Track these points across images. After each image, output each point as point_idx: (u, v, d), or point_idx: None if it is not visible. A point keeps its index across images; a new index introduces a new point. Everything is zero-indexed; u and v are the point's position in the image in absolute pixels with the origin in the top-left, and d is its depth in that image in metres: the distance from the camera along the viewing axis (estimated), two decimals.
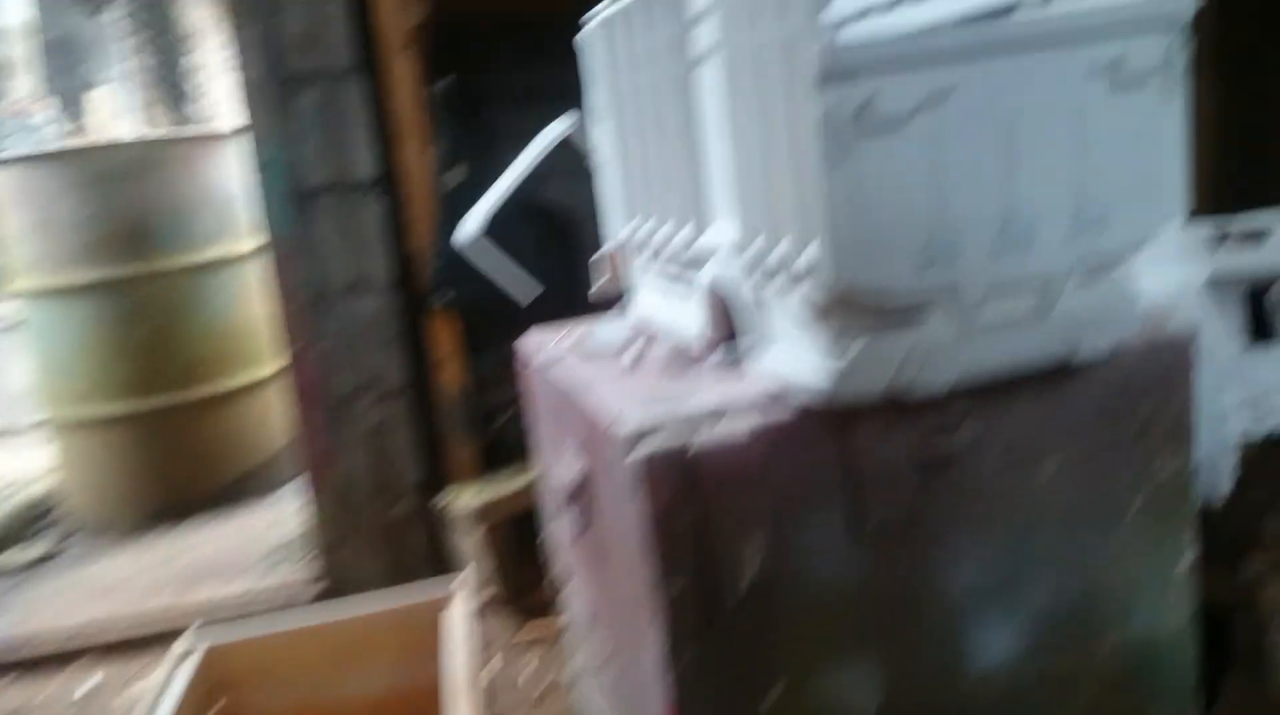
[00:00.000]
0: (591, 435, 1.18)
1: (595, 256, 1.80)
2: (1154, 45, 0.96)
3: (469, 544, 2.48)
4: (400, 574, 2.72)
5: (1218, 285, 1.64)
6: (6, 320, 4.69)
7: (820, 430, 1.04)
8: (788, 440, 1.03)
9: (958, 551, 1.11)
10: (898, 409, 1.03)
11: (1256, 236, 1.75)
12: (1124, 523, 1.16)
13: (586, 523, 1.30)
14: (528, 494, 2.41)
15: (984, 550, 1.12)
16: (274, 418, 3.78)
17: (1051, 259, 0.98)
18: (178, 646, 1.21)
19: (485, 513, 2.41)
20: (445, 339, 2.72)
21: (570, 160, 1.79)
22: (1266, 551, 1.56)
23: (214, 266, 3.73)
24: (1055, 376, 1.07)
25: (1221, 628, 1.60)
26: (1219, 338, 1.57)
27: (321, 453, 2.70)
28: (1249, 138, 2.75)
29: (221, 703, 1.24)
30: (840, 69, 0.88)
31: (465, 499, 2.47)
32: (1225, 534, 1.57)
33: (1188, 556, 1.20)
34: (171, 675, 1.14)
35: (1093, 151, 0.97)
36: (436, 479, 2.74)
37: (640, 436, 1.02)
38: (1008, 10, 0.92)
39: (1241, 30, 2.61)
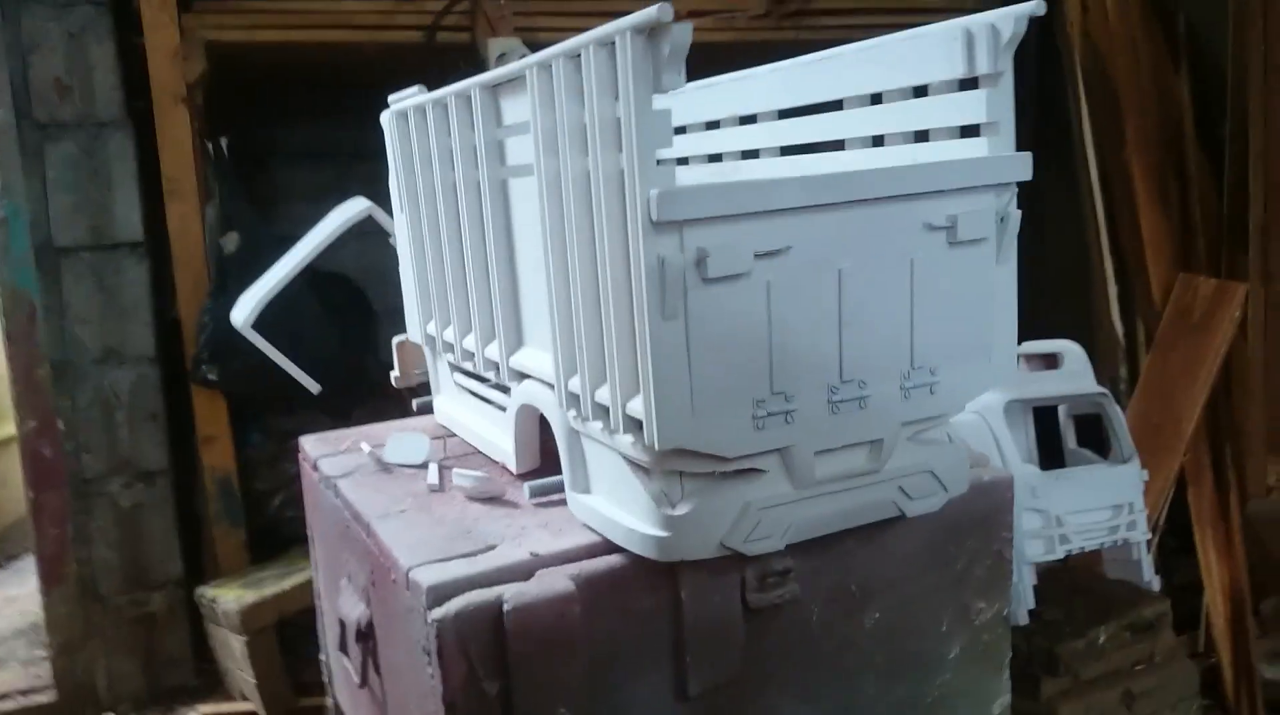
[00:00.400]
0: (382, 576, 1.05)
1: (394, 341, 1.67)
2: (989, 204, 0.94)
3: (233, 648, 2.24)
4: (154, 676, 2.43)
5: (1013, 407, 1.70)
6: None
7: (645, 584, 0.95)
8: (608, 593, 0.94)
9: (783, 705, 1.04)
10: (728, 559, 0.96)
11: (1049, 361, 1.82)
12: (944, 668, 1.14)
13: (369, 672, 1.15)
14: (300, 594, 2.21)
15: (809, 702, 1.06)
16: (19, 481, 3.36)
17: (885, 417, 0.94)
18: None
19: (250, 616, 2.18)
20: (212, 416, 2.48)
21: (365, 223, 1.66)
22: (1063, 673, 1.59)
23: None
24: (883, 522, 1.03)
25: None
26: (1016, 463, 1.61)
27: (60, 538, 2.39)
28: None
29: None
30: (676, 215, 0.81)
31: (229, 598, 2.23)
32: (1024, 656, 1.59)
33: (1004, 699, 1.18)
34: None
35: (927, 310, 0.93)
36: (199, 570, 2.48)
37: (442, 592, 0.91)
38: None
39: None
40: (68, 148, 2.33)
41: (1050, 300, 2.84)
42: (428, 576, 0.92)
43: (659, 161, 0.81)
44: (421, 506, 1.14)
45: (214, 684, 2.40)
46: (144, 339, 2.41)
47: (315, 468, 1.37)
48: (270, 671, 2.20)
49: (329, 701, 1.52)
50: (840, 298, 0.89)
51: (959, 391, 0.98)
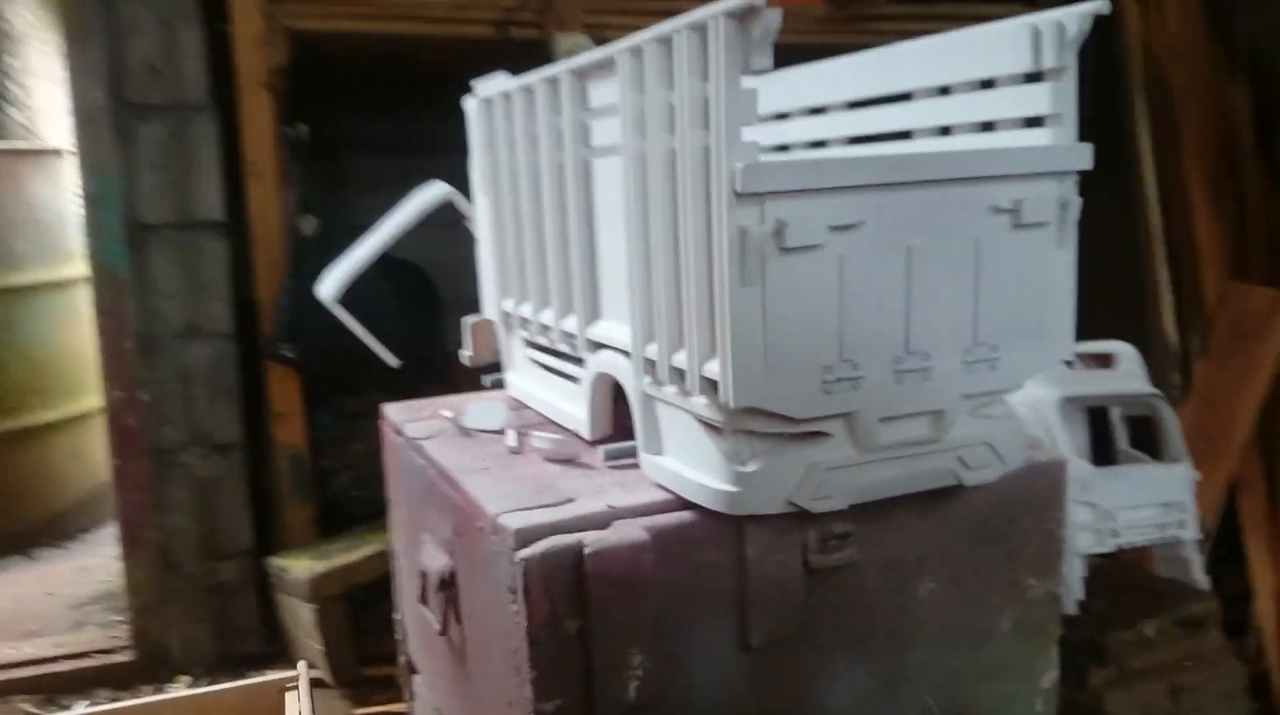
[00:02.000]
0: (467, 526, 1.12)
1: (467, 322, 1.74)
2: (1051, 190, 0.99)
3: (301, 617, 2.33)
4: (224, 642, 2.53)
5: (1068, 405, 1.73)
6: None
7: (712, 538, 1.02)
8: (679, 546, 1.01)
9: (839, 664, 1.10)
10: (789, 519, 1.02)
11: (1103, 361, 1.85)
12: (995, 640, 1.18)
13: (449, 620, 1.23)
14: (367, 566, 2.30)
15: (863, 663, 1.11)
16: (94, 454, 3.50)
17: (947, 389, 1.00)
18: None
19: (320, 585, 2.27)
20: (285, 393, 2.58)
21: (437, 213, 1.74)
22: (1109, 663, 1.63)
23: (35, 290, 3.44)
24: (940, 494, 1.08)
25: None
26: (1069, 457, 1.65)
27: (140, 506, 2.50)
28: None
29: None
30: (759, 188, 0.87)
31: (299, 568, 2.32)
32: (1072, 645, 1.63)
33: (1051, 674, 1.23)
34: None
35: (991, 289, 0.99)
36: (269, 541, 2.58)
37: (528, 536, 0.98)
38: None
39: None
40: (156, 129, 2.44)
41: (1106, 308, 2.86)
42: (514, 522, 0.99)
43: (747, 133, 0.87)
44: (503, 465, 1.21)
45: (281, 652, 2.49)
46: (222, 316, 2.51)
47: (399, 432, 1.45)
48: (338, 639, 2.29)
49: (401, 659, 1.60)
50: (909, 273, 0.95)
51: (1018, 368, 1.03)
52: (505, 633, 1.02)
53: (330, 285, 1.68)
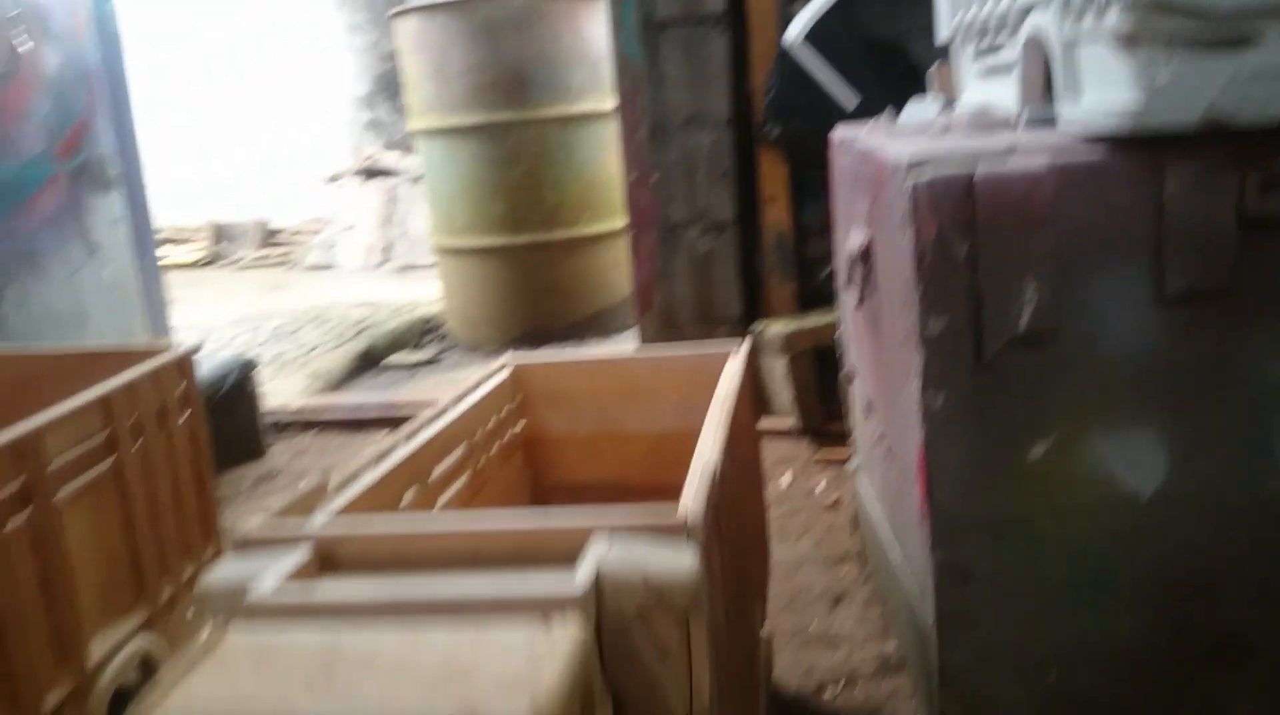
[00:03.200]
0: (879, 187, 1.16)
1: (928, 71, 1.76)
2: None
3: (775, 370, 2.53)
4: None
5: None
6: (412, 172, 5.28)
7: (1125, 175, 0.96)
8: (1085, 182, 0.97)
9: (1276, 333, 1.00)
10: (1221, 158, 0.94)
11: None
12: None
13: (867, 290, 1.29)
14: (834, 329, 2.41)
15: None
16: (622, 267, 4.00)
17: None
18: (495, 363, 1.35)
19: (791, 341, 2.44)
20: (775, 178, 2.73)
21: None
22: None
23: (582, 119, 3.95)
24: None
25: None
26: None
27: (651, 276, 2.83)
28: None
29: (523, 422, 1.37)
30: None
31: (775, 328, 2.50)
32: None
33: None
34: (482, 381, 1.29)
35: None
36: (754, 312, 2.79)
37: (916, 165, 1.00)
38: None
39: None
40: None
41: None
42: (910, 159, 1.01)
43: None
44: (924, 138, 1.22)
45: (760, 408, 2.72)
46: (722, 105, 2.71)
47: (840, 142, 1.51)
48: (805, 391, 2.46)
49: (842, 374, 1.70)
50: None
51: None
52: (902, 269, 1.05)
53: (795, 29, 1.77)
